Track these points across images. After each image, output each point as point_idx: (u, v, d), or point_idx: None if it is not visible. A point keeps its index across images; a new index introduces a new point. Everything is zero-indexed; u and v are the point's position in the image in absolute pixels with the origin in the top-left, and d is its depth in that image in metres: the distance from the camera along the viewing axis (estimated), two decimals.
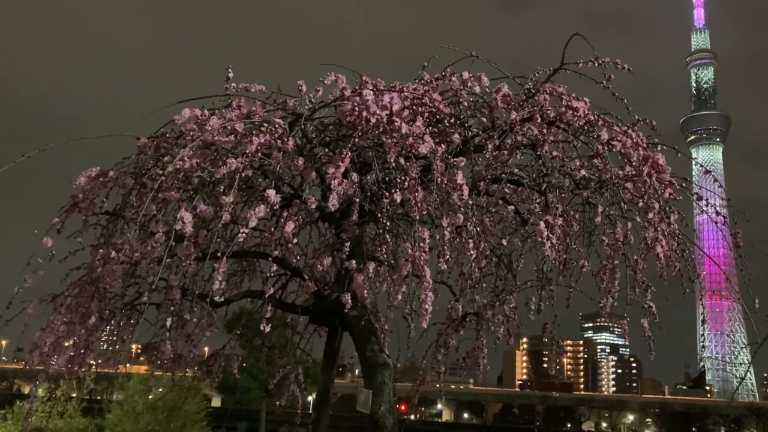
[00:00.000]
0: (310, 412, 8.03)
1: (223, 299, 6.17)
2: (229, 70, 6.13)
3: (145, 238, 5.88)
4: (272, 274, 6.04)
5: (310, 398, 11.85)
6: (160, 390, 23.24)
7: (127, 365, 7.92)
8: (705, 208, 6.19)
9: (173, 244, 5.17)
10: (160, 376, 8.80)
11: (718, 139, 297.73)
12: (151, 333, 7.04)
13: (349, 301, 6.00)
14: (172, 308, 6.28)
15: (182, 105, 5.80)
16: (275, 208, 5.53)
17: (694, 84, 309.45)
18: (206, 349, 8.59)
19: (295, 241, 6.14)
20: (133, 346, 7.62)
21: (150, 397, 24.82)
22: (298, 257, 7.70)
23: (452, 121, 5.98)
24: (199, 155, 5.65)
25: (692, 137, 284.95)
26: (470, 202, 5.39)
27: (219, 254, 5.14)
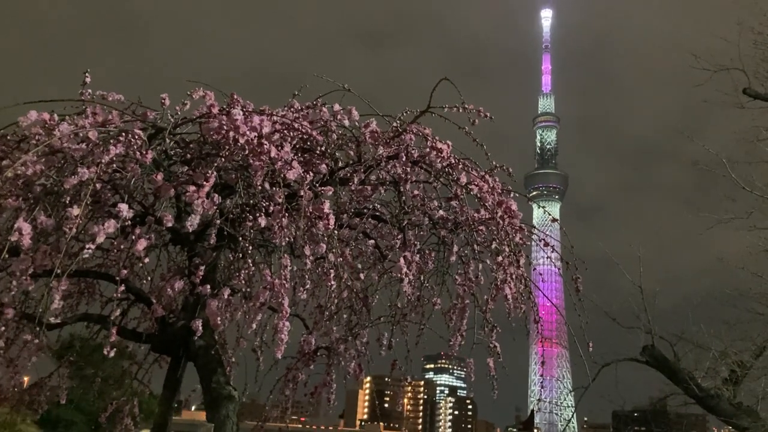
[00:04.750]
0: None
1: (58, 320, 5.65)
2: (87, 74, 5.68)
3: None
4: (119, 296, 5.61)
5: None
6: None
7: None
8: (550, 255, 6.59)
9: (6, 257, 4.67)
10: None
11: (557, 197, 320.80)
12: None
13: (200, 328, 5.70)
14: (3, 328, 5.60)
15: (28, 106, 5.32)
16: (126, 224, 5.18)
17: (538, 143, 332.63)
18: (25, 378, 7.79)
19: (146, 260, 5.75)
20: None
21: None
22: (144, 281, 7.28)
23: (322, 150, 5.96)
24: (44, 162, 5.17)
25: (534, 193, 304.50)
26: (335, 232, 5.35)
27: (59, 271, 4.70)
